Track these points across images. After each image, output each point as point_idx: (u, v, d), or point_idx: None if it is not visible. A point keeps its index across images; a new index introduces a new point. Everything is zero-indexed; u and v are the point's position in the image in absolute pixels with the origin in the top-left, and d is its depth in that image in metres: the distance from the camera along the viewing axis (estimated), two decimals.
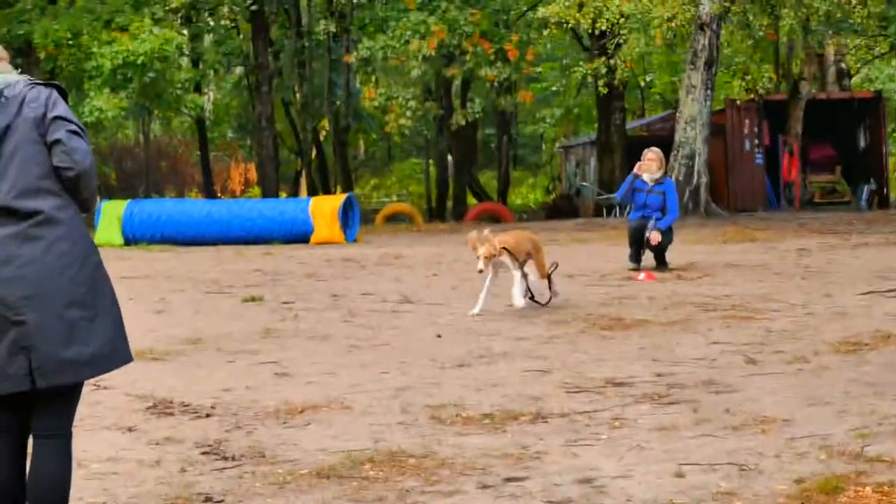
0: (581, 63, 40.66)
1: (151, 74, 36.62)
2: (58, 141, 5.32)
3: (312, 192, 49.61)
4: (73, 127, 5.38)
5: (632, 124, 47.64)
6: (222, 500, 6.88)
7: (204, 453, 8.03)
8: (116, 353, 5.47)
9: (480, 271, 12.86)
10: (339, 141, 49.61)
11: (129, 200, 31.32)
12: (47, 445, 5.41)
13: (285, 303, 15.76)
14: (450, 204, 49.15)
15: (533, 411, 8.95)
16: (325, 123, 53.73)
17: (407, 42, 37.31)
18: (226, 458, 7.88)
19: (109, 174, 55.88)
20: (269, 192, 43.09)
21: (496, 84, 40.48)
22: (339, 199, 29.73)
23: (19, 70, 5.84)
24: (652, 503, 6.52)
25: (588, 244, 25.53)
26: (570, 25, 36.78)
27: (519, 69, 39.57)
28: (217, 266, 21.61)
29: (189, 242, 28.56)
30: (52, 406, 5.40)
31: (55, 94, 5.47)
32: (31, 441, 5.55)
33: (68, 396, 5.45)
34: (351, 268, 20.83)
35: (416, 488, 7.01)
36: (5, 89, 5.39)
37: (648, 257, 18.83)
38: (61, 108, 5.40)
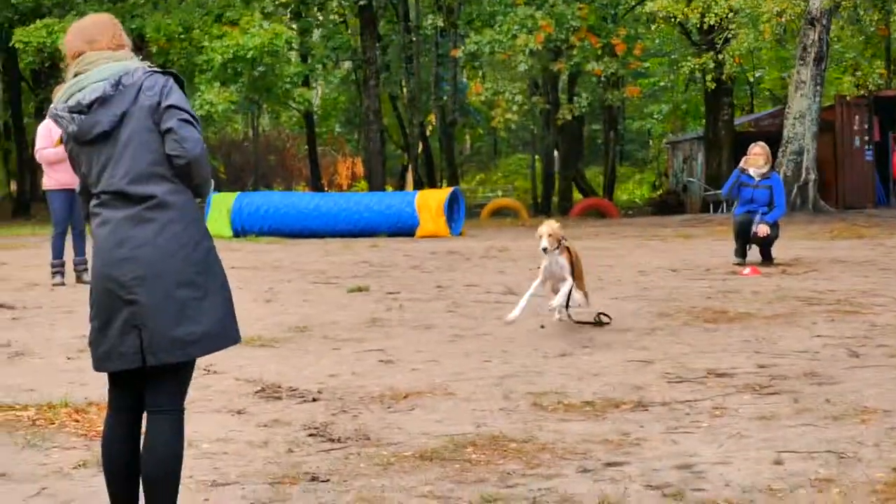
0: (689, 58, 40.48)
1: (261, 68, 37.10)
2: (170, 129, 5.50)
3: (418, 186, 49.89)
4: (186, 116, 5.54)
5: (740, 120, 47.30)
6: (328, 480, 7.06)
7: (310, 435, 8.23)
8: (225, 333, 5.64)
9: (545, 249, 12.64)
10: (445, 135, 49.86)
11: (238, 193, 31.77)
12: (160, 421, 5.59)
13: (390, 293, 15.95)
14: (555, 199, 49.16)
15: (634, 400, 9.05)
16: (432, 118, 54.06)
17: (514, 36, 37.39)
18: (332, 440, 8.07)
19: (218, 167, 56.54)
20: (375, 186, 43.41)
21: (603, 79, 40.46)
22: (444, 193, 29.92)
23: None
24: (750, 489, 6.60)
25: (694, 239, 25.49)
26: (678, 20, 36.70)
27: (626, 64, 39.53)
28: (324, 257, 21.88)
29: (296, 235, 28.94)
30: (165, 383, 5.58)
31: (171, 82, 5.64)
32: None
33: (180, 374, 5.63)
34: (456, 260, 21.00)
35: (518, 471, 7.15)
36: (123, 77, 5.58)
37: (754, 252, 18.78)
38: (175, 97, 5.57)
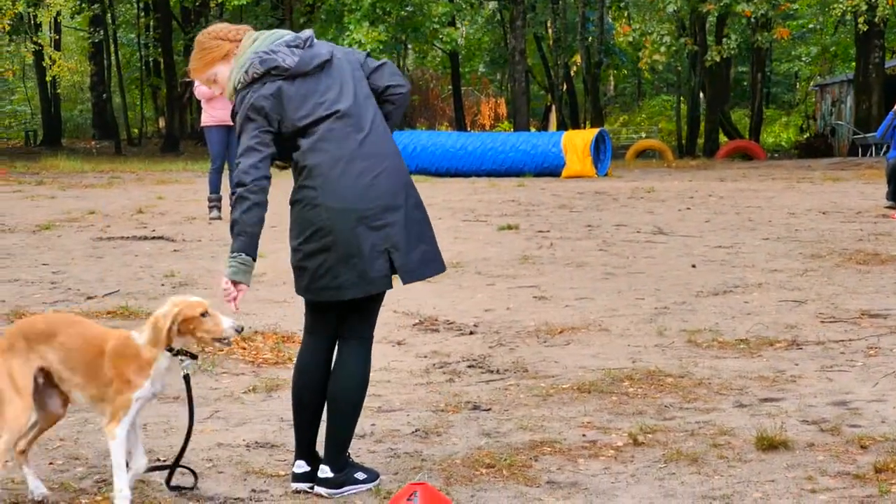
0: (841, 0, 39.84)
1: (409, 8, 37.28)
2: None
3: (562, 127, 49.85)
4: None
5: (891, 63, 46.47)
6: (490, 409, 7.27)
7: (470, 366, 8.46)
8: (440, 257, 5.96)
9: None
10: (590, 76, 49.67)
11: None
12: (351, 347, 5.83)
13: (540, 231, 16.11)
14: (700, 141, 48.80)
15: (788, 339, 9.13)
16: (577, 59, 53.84)
17: None
18: (490, 372, 8.29)
19: None
20: (520, 126, 43.43)
21: (752, 20, 39.98)
22: (591, 133, 29.89)
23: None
24: None
25: (843, 182, 25.24)
26: None
27: (776, 5, 38.98)
28: (472, 196, 22.08)
29: (442, 174, 29.17)
30: (360, 311, 5.82)
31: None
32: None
33: (375, 303, 5.87)
34: (603, 200, 21.07)
35: (675, 405, 7.30)
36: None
37: None
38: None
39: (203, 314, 5.51)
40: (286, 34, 5.82)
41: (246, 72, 5.69)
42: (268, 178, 5.62)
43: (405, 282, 5.71)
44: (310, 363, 5.86)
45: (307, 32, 5.88)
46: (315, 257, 5.62)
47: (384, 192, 5.62)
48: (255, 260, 5.60)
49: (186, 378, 5.69)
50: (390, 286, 5.69)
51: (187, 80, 16.96)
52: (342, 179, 5.61)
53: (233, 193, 5.69)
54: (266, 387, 7.82)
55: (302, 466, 5.83)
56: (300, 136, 5.67)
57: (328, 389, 5.76)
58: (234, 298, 5.57)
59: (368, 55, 5.96)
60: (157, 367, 5.49)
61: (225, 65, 5.79)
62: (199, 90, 16.88)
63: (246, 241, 5.56)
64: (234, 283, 5.55)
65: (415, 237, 5.69)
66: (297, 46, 5.73)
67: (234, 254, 5.56)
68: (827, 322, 9.74)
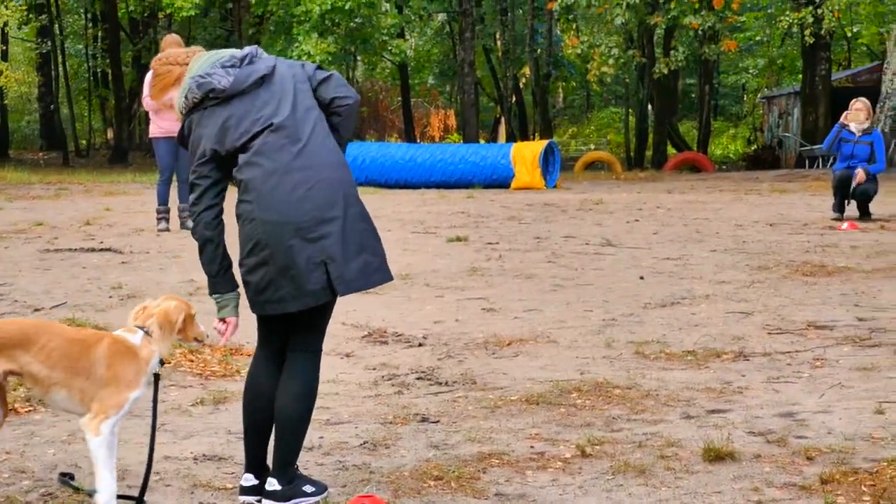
0: (787, 12, 40.11)
1: (358, 20, 37.29)
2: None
3: (511, 138, 49.98)
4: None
5: (837, 75, 46.84)
6: (438, 421, 7.28)
7: (418, 378, 8.47)
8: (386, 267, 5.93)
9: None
10: (539, 88, 49.82)
11: None
12: (299, 359, 5.82)
13: (489, 243, 16.13)
14: (649, 153, 49.02)
15: (735, 350, 9.19)
16: (526, 71, 53.97)
17: None
18: (439, 384, 8.31)
19: None
20: (469, 137, 43.52)
21: (700, 33, 40.22)
22: (540, 145, 29.97)
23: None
24: (852, 436, 6.73)
25: (790, 194, 25.41)
26: None
27: (723, 18, 39.22)
28: (421, 207, 22.09)
29: (392, 185, 29.17)
30: (307, 324, 5.81)
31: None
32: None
33: (322, 315, 5.86)
34: (552, 212, 21.12)
35: (623, 416, 7.33)
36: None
37: (852, 208, 18.74)
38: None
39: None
40: (224, 54, 5.83)
41: (185, 97, 5.75)
42: (210, 207, 5.72)
43: (341, 293, 5.65)
44: (261, 376, 5.87)
45: (248, 49, 5.88)
46: (256, 271, 5.64)
47: (319, 203, 5.60)
48: (233, 290, 5.79)
49: (156, 377, 5.70)
50: (329, 297, 5.66)
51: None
52: (275, 192, 5.62)
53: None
54: (214, 399, 7.80)
55: (250, 479, 5.82)
56: (239, 151, 5.70)
57: (276, 402, 5.75)
58: (224, 333, 5.84)
59: (319, 67, 5.94)
60: (151, 366, 5.60)
61: (176, 89, 5.83)
62: (147, 101, 16.80)
63: (214, 281, 5.79)
64: (223, 319, 5.80)
65: (354, 248, 5.65)
66: (232, 66, 5.76)
67: (211, 295, 5.81)
68: (774, 333, 9.81)
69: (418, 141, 57.02)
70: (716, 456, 6.31)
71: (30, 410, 7.51)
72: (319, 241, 5.58)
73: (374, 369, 8.79)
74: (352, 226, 5.66)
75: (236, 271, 5.73)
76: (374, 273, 5.75)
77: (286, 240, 5.58)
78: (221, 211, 5.77)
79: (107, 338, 5.61)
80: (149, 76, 16.84)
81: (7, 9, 41.79)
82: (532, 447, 6.67)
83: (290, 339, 5.83)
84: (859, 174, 18.39)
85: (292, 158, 5.65)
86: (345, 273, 5.61)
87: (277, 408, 5.74)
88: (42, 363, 5.42)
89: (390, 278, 5.89)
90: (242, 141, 5.69)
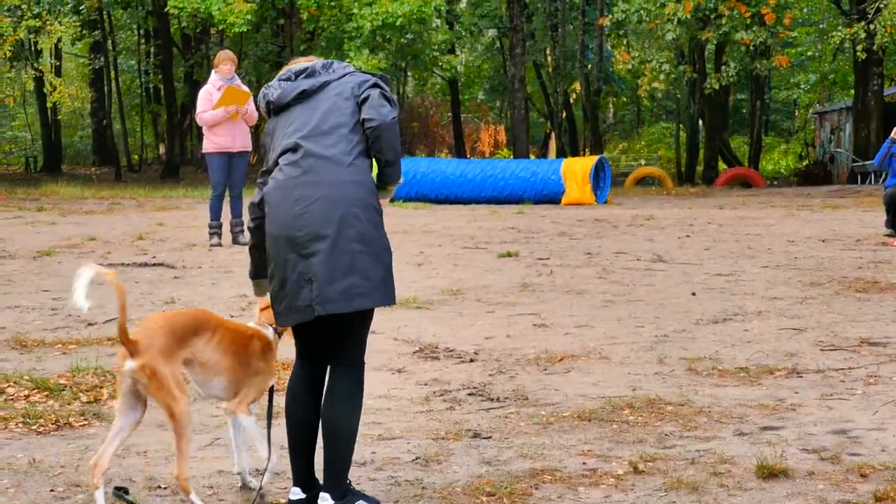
0: (839, 28, 39.92)
1: (409, 36, 37.40)
2: (368, 98, 5.90)
3: (561, 154, 49.92)
4: (387, 93, 5.96)
5: (889, 91, 46.56)
6: (490, 437, 7.28)
7: (470, 394, 8.47)
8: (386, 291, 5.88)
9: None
10: (589, 104, 49.74)
11: None
12: (340, 372, 5.85)
13: (540, 259, 16.13)
14: (699, 168, 48.84)
15: (788, 367, 9.14)
16: (576, 86, 53.91)
17: (663, 5, 37.20)
18: (491, 399, 8.30)
19: None
20: (520, 153, 43.51)
21: (751, 48, 40.06)
22: (590, 160, 29.95)
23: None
24: None
25: (842, 210, 25.28)
26: None
27: (775, 33, 39.04)
28: (472, 223, 22.11)
29: (442, 200, 29.23)
30: (343, 335, 5.83)
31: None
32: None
33: (359, 327, 5.88)
34: (603, 227, 21.10)
35: (675, 433, 7.31)
36: (335, 64, 6.10)
37: None
38: (380, 86, 6.02)
39: None
40: (294, 67, 6.06)
41: (259, 105, 6.05)
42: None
43: (318, 313, 5.64)
44: (298, 387, 5.93)
45: (311, 64, 6.02)
46: (270, 282, 5.86)
47: (315, 219, 5.65)
48: (253, 277, 6.15)
49: None
50: (314, 315, 5.66)
51: None
52: (280, 206, 5.76)
53: None
54: (265, 413, 7.82)
55: (297, 493, 5.85)
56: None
57: (322, 416, 5.78)
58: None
59: (375, 84, 5.91)
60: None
61: None
62: (201, 117, 16.93)
63: (250, 266, 6.14)
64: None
65: (342, 269, 5.63)
66: (287, 80, 5.96)
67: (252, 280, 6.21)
68: (827, 350, 9.76)
69: (469, 156, 57.05)
70: (769, 473, 6.28)
71: (84, 424, 7.57)
72: (310, 257, 5.66)
73: (425, 385, 8.80)
74: (343, 246, 5.65)
75: None
76: (359, 297, 5.66)
77: (284, 253, 5.72)
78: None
79: (256, 332, 6.14)
80: (202, 91, 17.10)
81: (61, 24, 42.15)
82: (584, 463, 6.66)
83: (331, 352, 5.87)
84: None
85: (301, 174, 5.74)
86: (324, 293, 5.63)
87: (324, 422, 5.78)
88: (214, 350, 5.90)
89: (381, 304, 5.78)
90: (275, 154, 5.87)
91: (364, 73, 5.99)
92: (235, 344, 6.00)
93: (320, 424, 5.81)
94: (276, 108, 5.94)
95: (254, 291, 6.25)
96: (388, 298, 5.82)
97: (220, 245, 17.24)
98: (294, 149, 5.77)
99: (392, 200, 28.48)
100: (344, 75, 5.92)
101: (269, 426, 6.12)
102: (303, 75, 5.93)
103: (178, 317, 5.93)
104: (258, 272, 6.08)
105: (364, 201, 5.75)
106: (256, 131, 23.74)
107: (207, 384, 5.98)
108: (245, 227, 17.35)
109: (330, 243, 5.63)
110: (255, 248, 6.03)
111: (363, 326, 5.86)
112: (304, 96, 5.87)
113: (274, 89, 5.97)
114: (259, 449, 6.17)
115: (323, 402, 5.80)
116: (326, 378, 5.89)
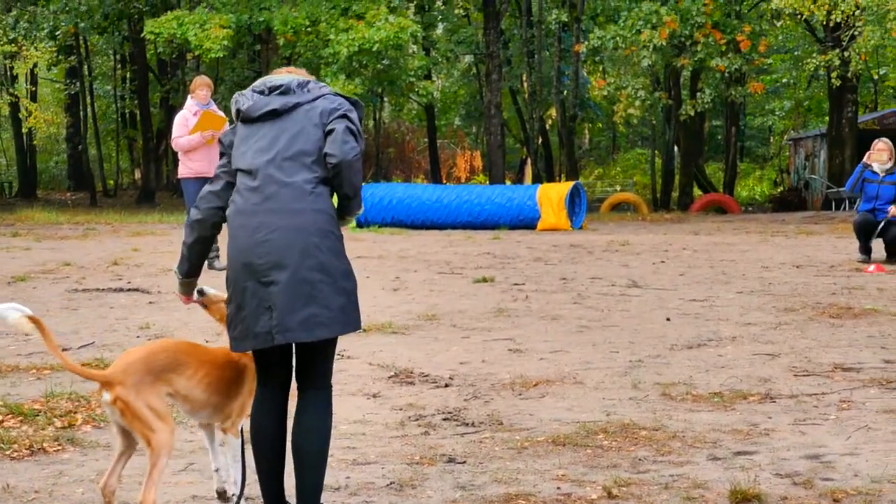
0: (814, 55, 40.13)
1: (385, 61, 37.40)
2: (333, 131, 5.88)
3: (537, 180, 50.02)
4: (354, 128, 5.94)
5: (863, 118, 46.79)
6: (465, 462, 7.30)
7: (445, 419, 8.48)
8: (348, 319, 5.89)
9: None
10: (565, 130, 49.86)
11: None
12: (308, 396, 5.89)
13: (516, 284, 16.14)
14: (675, 194, 48.98)
15: (761, 392, 9.19)
16: (552, 112, 54.04)
17: (638, 32, 37.31)
18: (466, 424, 8.32)
19: None
20: (496, 179, 43.54)
21: (726, 75, 40.22)
22: (566, 186, 29.99)
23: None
24: (879, 479, 6.73)
25: (816, 236, 25.38)
26: (803, 17, 36.35)
27: (750, 60, 39.21)
28: (447, 248, 22.13)
29: (418, 226, 29.23)
30: (308, 361, 5.86)
31: (352, 106, 6.05)
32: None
33: (323, 352, 5.90)
34: (578, 253, 21.14)
35: (649, 458, 7.34)
36: (311, 84, 6.06)
37: (878, 250, 18.70)
38: (353, 115, 6.01)
39: None
40: (269, 80, 6.05)
41: (230, 108, 6.10)
42: (215, 195, 5.99)
43: (276, 341, 5.69)
44: (261, 415, 5.94)
45: (287, 80, 5.99)
46: (227, 306, 5.89)
47: (275, 248, 5.69)
48: (186, 276, 6.14)
49: None
50: (273, 343, 5.71)
51: None
52: (240, 232, 5.80)
53: None
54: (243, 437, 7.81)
55: None
56: (235, 179, 5.93)
57: (293, 442, 5.81)
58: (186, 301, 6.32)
59: (342, 115, 5.90)
60: None
61: None
62: (177, 142, 16.93)
63: (179, 259, 6.14)
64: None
65: (302, 299, 5.67)
66: (260, 92, 5.96)
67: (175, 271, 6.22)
68: (800, 375, 9.80)
69: (444, 182, 57.09)
70: (742, 498, 6.31)
71: (58, 450, 7.55)
72: (269, 286, 5.69)
73: (400, 409, 8.80)
74: (304, 276, 5.68)
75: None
76: (319, 327, 5.71)
77: (242, 280, 5.75)
78: (222, 210, 5.97)
79: (241, 356, 6.09)
80: (178, 116, 17.11)
81: (37, 50, 42.08)
82: (558, 488, 6.68)
83: (297, 377, 5.92)
84: (893, 209, 18.36)
85: (261, 201, 5.77)
86: (284, 322, 5.67)
87: (294, 447, 5.80)
88: (197, 386, 5.92)
89: (341, 332, 5.82)
90: (236, 167, 5.91)
91: (338, 95, 5.99)
92: (220, 377, 6.01)
93: (291, 450, 5.82)
94: (244, 118, 5.97)
95: (178, 287, 6.23)
96: (350, 326, 5.85)
97: None
98: (256, 172, 5.80)
99: (367, 226, 28.52)
100: (318, 97, 5.92)
101: (242, 450, 6.14)
102: (276, 91, 5.94)
103: (159, 354, 5.90)
104: (192, 271, 6.10)
105: (324, 230, 5.78)
106: None
107: (196, 414, 6.06)
108: (218, 252, 17.46)
109: (290, 273, 5.66)
110: (197, 244, 6.04)
111: (326, 354, 5.89)
112: (273, 115, 5.89)
113: (246, 99, 5.98)
114: (233, 468, 6.19)
115: (293, 428, 5.82)
116: (288, 400, 5.94)
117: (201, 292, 6.18)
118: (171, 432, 5.76)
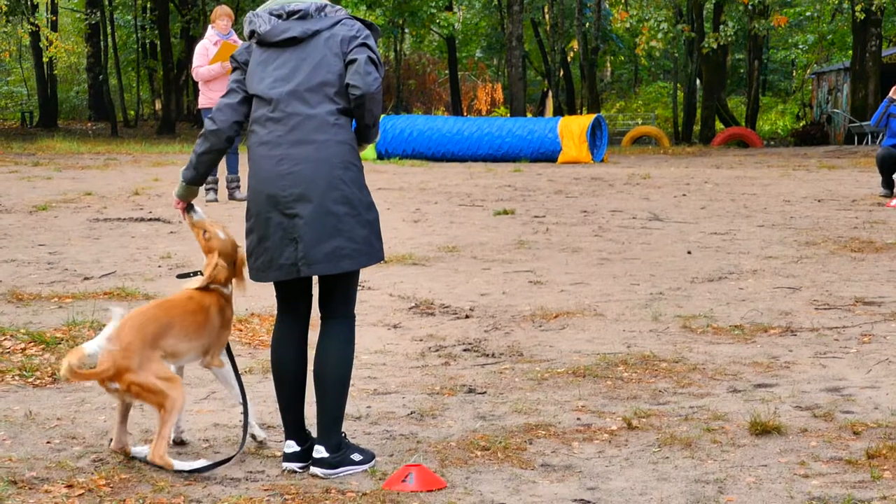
0: None
1: None
2: (354, 61, 5.79)
3: (558, 112, 49.87)
4: (374, 56, 5.88)
5: (888, 52, 46.49)
6: (485, 392, 7.31)
7: (465, 350, 8.50)
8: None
9: None
10: (587, 62, 49.67)
11: (382, 116, 31.89)
12: (331, 325, 5.89)
13: (536, 216, 16.13)
14: (697, 128, 48.82)
15: (782, 325, 9.18)
16: (574, 45, 53.82)
17: None
18: (486, 355, 8.33)
19: None
20: (517, 111, 43.41)
21: (750, 7, 39.96)
22: (587, 119, 29.86)
23: None
24: None
25: (838, 170, 25.27)
26: None
27: None
28: (468, 181, 22.09)
29: (438, 158, 29.17)
30: (331, 290, 5.87)
31: (369, 32, 5.97)
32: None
33: (346, 282, 5.91)
34: (599, 186, 21.09)
35: (669, 389, 7.34)
36: (328, 7, 5.91)
37: None
38: (371, 41, 5.92)
39: None
40: (285, 2, 5.91)
41: (243, 28, 6.01)
42: (232, 108, 5.92)
43: (303, 274, 5.70)
44: (281, 345, 5.94)
45: (306, 5, 5.87)
46: (248, 236, 5.86)
47: (300, 180, 5.67)
48: (188, 183, 5.99)
49: None
50: (297, 275, 5.71)
51: None
52: (263, 163, 5.77)
53: None
54: (263, 368, 7.84)
55: (292, 446, 5.87)
56: (251, 105, 5.89)
57: (314, 369, 5.82)
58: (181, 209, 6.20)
59: (362, 43, 5.82)
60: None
61: None
62: (198, 71, 16.90)
63: (187, 164, 6.01)
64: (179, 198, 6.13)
65: (328, 231, 5.67)
66: (278, 16, 5.87)
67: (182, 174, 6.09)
68: (821, 309, 9.79)
69: (465, 114, 56.99)
70: (762, 430, 6.32)
71: None
72: (294, 218, 5.67)
73: (420, 340, 8.82)
74: (329, 208, 5.67)
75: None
76: (344, 259, 5.71)
77: (265, 211, 5.73)
78: (238, 124, 5.94)
79: (214, 294, 6.10)
80: (199, 46, 17.07)
81: None
82: (578, 419, 6.70)
83: (321, 305, 5.92)
84: None
85: (285, 133, 5.75)
86: (310, 254, 5.67)
87: (316, 375, 5.81)
88: (182, 340, 5.97)
89: (366, 264, 5.82)
90: (254, 92, 5.86)
91: (354, 19, 5.94)
92: (194, 322, 6.01)
93: (313, 378, 5.84)
94: (261, 42, 5.89)
95: (177, 192, 6.08)
96: (374, 257, 5.86)
97: (216, 200, 17.21)
98: (277, 103, 5.77)
99: (388, 158, 28.48)
100: (336, 23, 5.84)
101: (236, 374, 6.26)
102: (295, 17, 5.85)
103: (148, 325, 5.87)
104: (195, 180, 5.99)
105: (346, 162, 5.76)
106: None
107: (179, 362, 6.08)
108: (238, 183, 17.49)
109: (315, 206, 5.65)
110: (207, 154, 5.96)
111: (350, 285, 5.88)
112: (293, 42, 5.83)
113: (263, 22, 5.88)
114: (232, 391, 6.26)
115: (315, 356, 5.82)
116: (308, 331, 5.97)
117: (190, 208, 6.13)
118: (180, 389, 5.81)
